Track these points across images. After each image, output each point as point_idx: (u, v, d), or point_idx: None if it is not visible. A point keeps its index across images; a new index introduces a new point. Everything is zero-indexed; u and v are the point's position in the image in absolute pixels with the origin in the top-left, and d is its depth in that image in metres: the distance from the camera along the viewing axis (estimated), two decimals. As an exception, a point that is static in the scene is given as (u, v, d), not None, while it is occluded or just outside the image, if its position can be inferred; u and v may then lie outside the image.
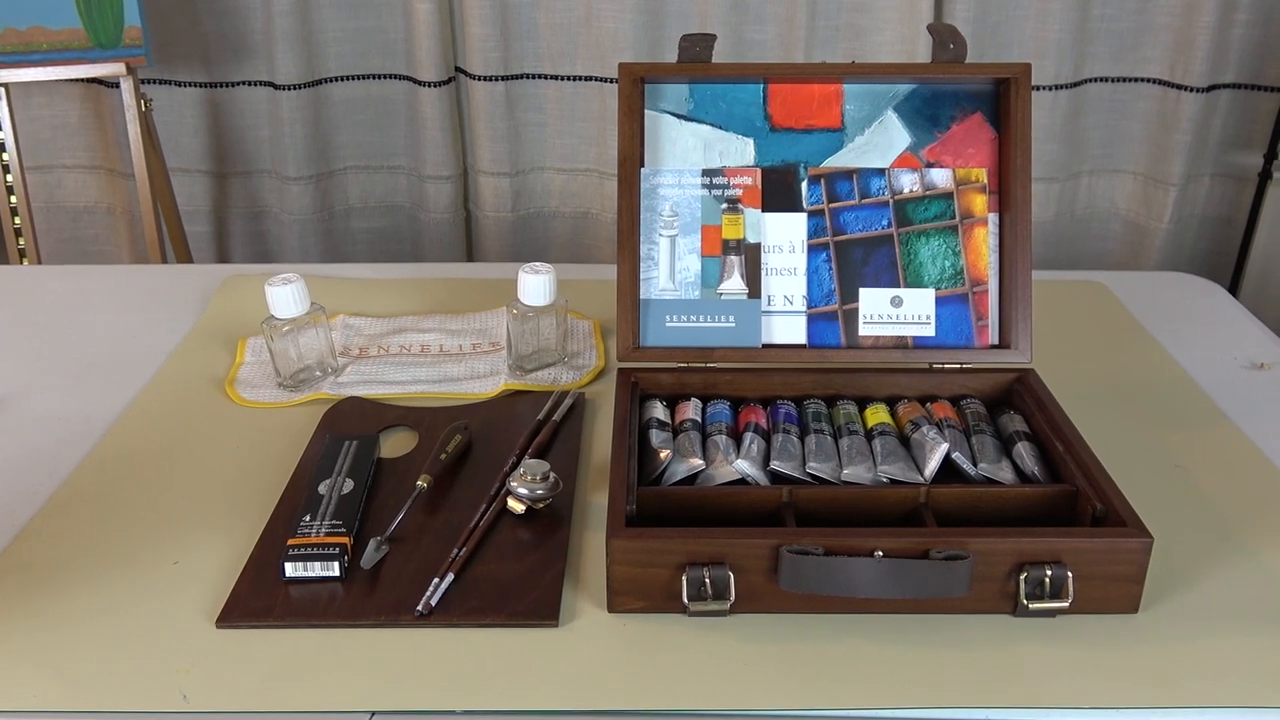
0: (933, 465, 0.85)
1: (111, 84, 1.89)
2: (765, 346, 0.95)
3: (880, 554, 0.72)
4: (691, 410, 0.91)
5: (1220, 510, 0.86)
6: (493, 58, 1.84)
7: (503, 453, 0.91)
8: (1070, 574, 0.73)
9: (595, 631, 0.74)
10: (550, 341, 1.03)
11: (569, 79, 1.88)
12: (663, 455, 0.85)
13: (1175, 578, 0.78)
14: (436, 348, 1.07)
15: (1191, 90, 1.77)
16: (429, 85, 1.86)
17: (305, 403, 0.99)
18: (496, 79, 1.86)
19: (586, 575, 0.79)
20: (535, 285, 1.00)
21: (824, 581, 0.73)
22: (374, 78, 1.92)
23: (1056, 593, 0.74)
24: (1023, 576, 0.73)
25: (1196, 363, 1.07)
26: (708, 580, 0.73)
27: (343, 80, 1.91)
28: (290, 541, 0.78)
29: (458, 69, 1.90)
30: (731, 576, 0.73)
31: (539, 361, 1.03)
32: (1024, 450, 0.86)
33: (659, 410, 0.91)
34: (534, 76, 1.89)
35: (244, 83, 1.91)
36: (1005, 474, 0.85)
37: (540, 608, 0.75)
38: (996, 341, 0.95)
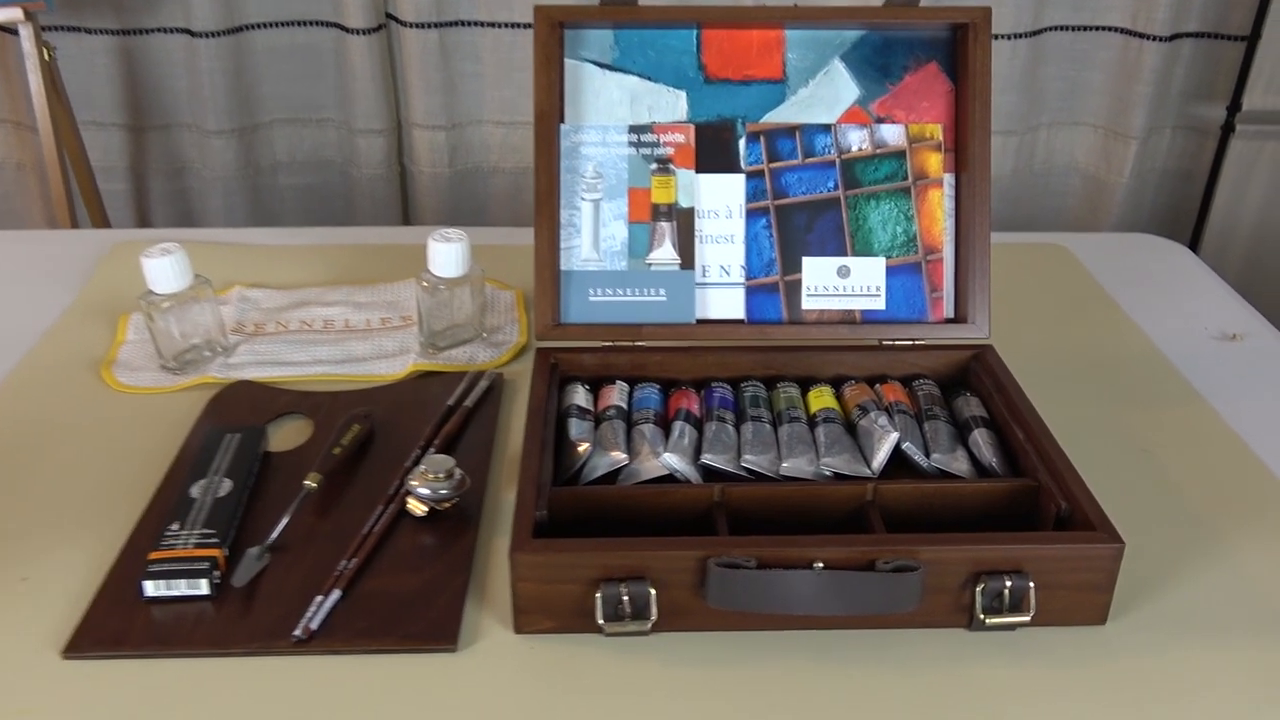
0: (881, 457, 0.75)
1: (11, 31, 1.73)
2: (699, 322, 0.84)
3: (820, 566, 0.63)
4: (616, 395, 0.81)
5: (1193, 502, 0.77)
6: (425, 3, 1.71)
7: (408, 444, 0.80)
8: (1032, 584, 0.64)
9: (499, 655, 0.64)
10: (466, 316, 0.92)
11: (507, 26, 1.75)
12: (581, 449, 0.75)
13: (1145, 582, 0.69)
14: (341, 323, 0.96)
15: (1154, 39, 1.68)
16: (358, 33, 1.72)
17: (190, 387, 0.87)
18: (430, 26, 1.73)
19: (494, 588, 0.68)
20: (446, 255, 0.89)
21: (757, 598, 0.63)
22: (299, 24, 1.78)
23: (1016, 605, 0.64)
24: (979, 588, 0.64)
25: (1165, 333, 0.98)
26: (625, 598, 0.63)
27: (265, 27, 1.77)
28: (152, 555, 0.67)
29: (388, 15, 1.76)
30: (653, 593, 0.63)
31: (454, 338, 0.92)
32: (980, 439, 0.77)
33: (580, 396, 0.80)
34: (470, 24, 1.76)
35: (158, 30, 1.76)
36: (960, 465, 0.76)
37: (437, 629, 0.65)
38: (952, 315, 0.85)
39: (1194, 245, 1.83)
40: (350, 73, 1.77)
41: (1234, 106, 1.73)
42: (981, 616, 0.64)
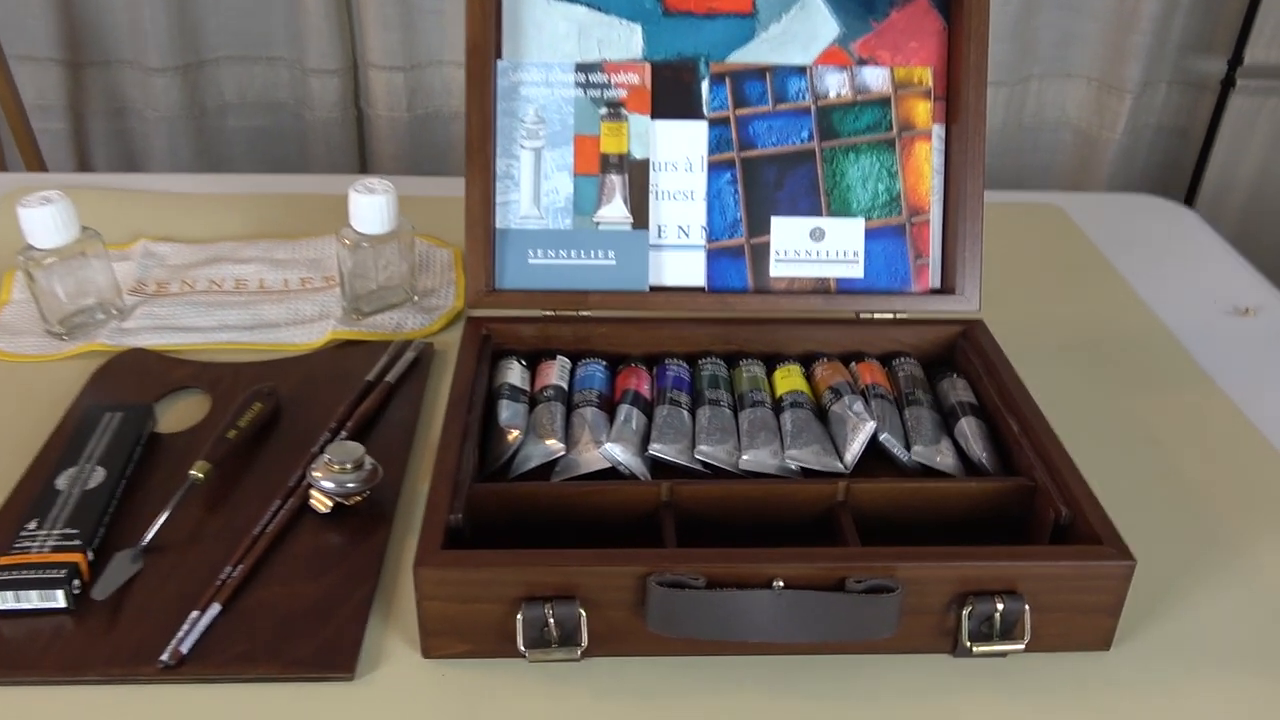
0: (855, 449, 0.65)
1: (-68, -44, 1.59)
2: (653, 290, 0.73)
3: (780, 585, 0.53)
4: (556, 373, 0.70)
5: (1206, 503, 0.67)
6: (380, -66, 1.57)
7: (317, 427, 0.69)
8: (1027, 607, 0.54)
9: (403, 685, 0.54)
10: (395, 277, 0.81)
11: (469, -40, 1.62)
12: (512, 437, 0.64)
13: (1155, 599, 0.59)
14: (255, 283, 0.84)
15: (1153, -15, 1.56)
16: (308, -36, 1.59)
17: (75, 356, 0.76)
18: (386, -42, 1.59)
19: (405, 601, 0.58)
20: (369, 208, 0.77)
21: (706, 622, 0.53)
22: (246, -46, 1.64)
23: (1009, 631, 0.55)
24: (966, 611, 0.54)
25: (1170, 307, 0.88)
26: (551, 621, 0.53)
27: (209, -44, 1.63)
28: (1, 560, 0.57)
29: (342, -54, 1.62)
30: (583, 615, 0.53)
31: (380, 302, 0.81)
32: (968, 429, 0.66)
33: (514, 373, 0.69)
34: (429, -44, 1.63)
35: (95, -43, 1.62)
36: (945, 459, 0.65)
37: (332, 652, 0.54)
38: (938, 285, 0.74)
39: (1186, 207, 1.72)
40: (301, 7, 1.63)
41: (1235, 60, 1.61)
42: (968, 643, 0.54)
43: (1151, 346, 0.82)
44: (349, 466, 0.62)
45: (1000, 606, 0.54)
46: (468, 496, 0.58)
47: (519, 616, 0.53)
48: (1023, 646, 0.54)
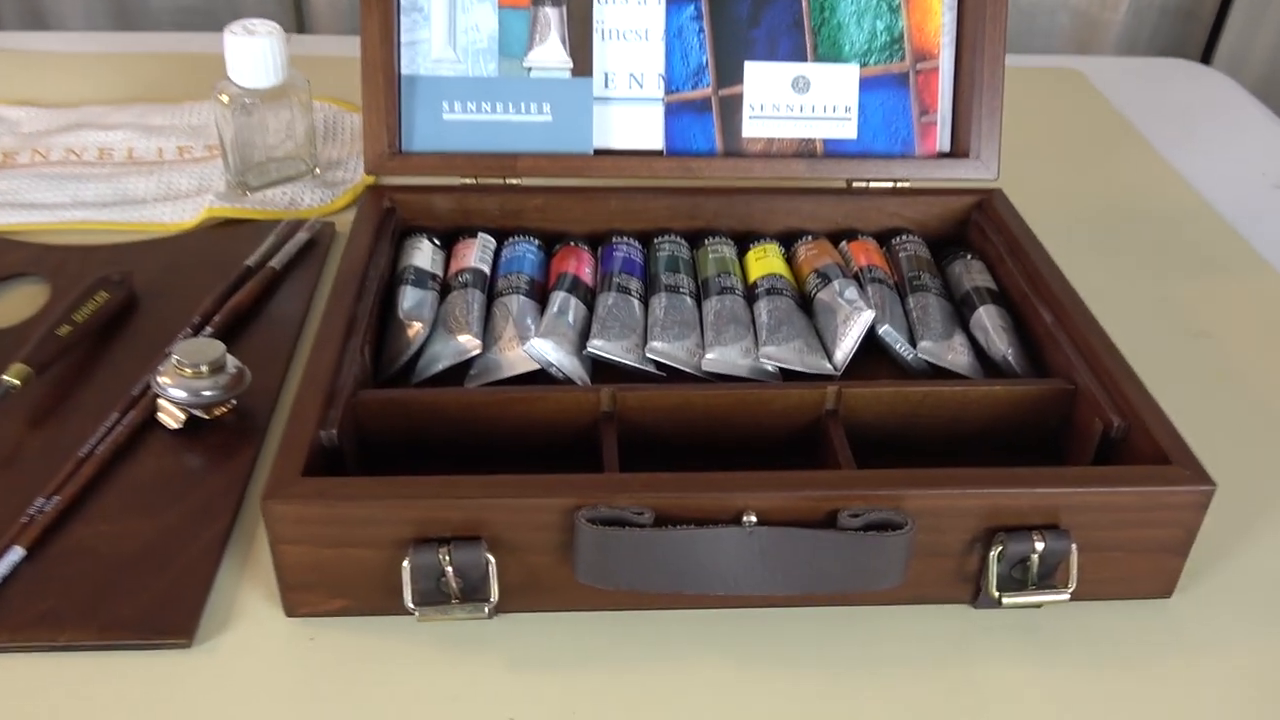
0: (848, 346, 0.51)
1: None
2: (598, 153, 0.58)
3: (753, 520, 0.39)
4: (476, 254, 0.55)
5: (1274, 409, 0.54)
6: None
7: (179, 323, 0.54)
8: (1074, 545, 0.41)
9: (258, 653, 0.40)
10: (289, 144, 0.65)
11: None
12: (413, 330, 0.50)
13: (1222, 533, 0.46)
14: (122, 152, 0.68)
15: None
16: None
17: (-110, 238, 0.61)
18: None
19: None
20: (249, 55, 0.61)
21: (654, 570, 0.39)
22: None
23: (1048, 576, 0.41)
24: (995, 553, 0.41)
25: (1213, 182, 0.73)
26: (450, 569, 0.39)
27: None
28: None
29: None
30: (492, 561, 0.39)
31: (274, 175, 0.66)
32: (988, 319, 0.52)
33: (424, 254, 0.55)
34: None
35: None
36: (959, 357, 0.52)
37: (165, 611, 0.40)
38: (948, 148, 0.60)
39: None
40: None
41: (1253, -70, 1.45)
42: (995, 593, 0.41)
43: (1193, 225, 0.68)
44: (204, 370, 0.48)
45: (1040, 545, 0.40)
46: (350, 407, 0.44)
47: (405, 564, 0.39)
48: (1068, 596, 0.41)
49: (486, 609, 0.40)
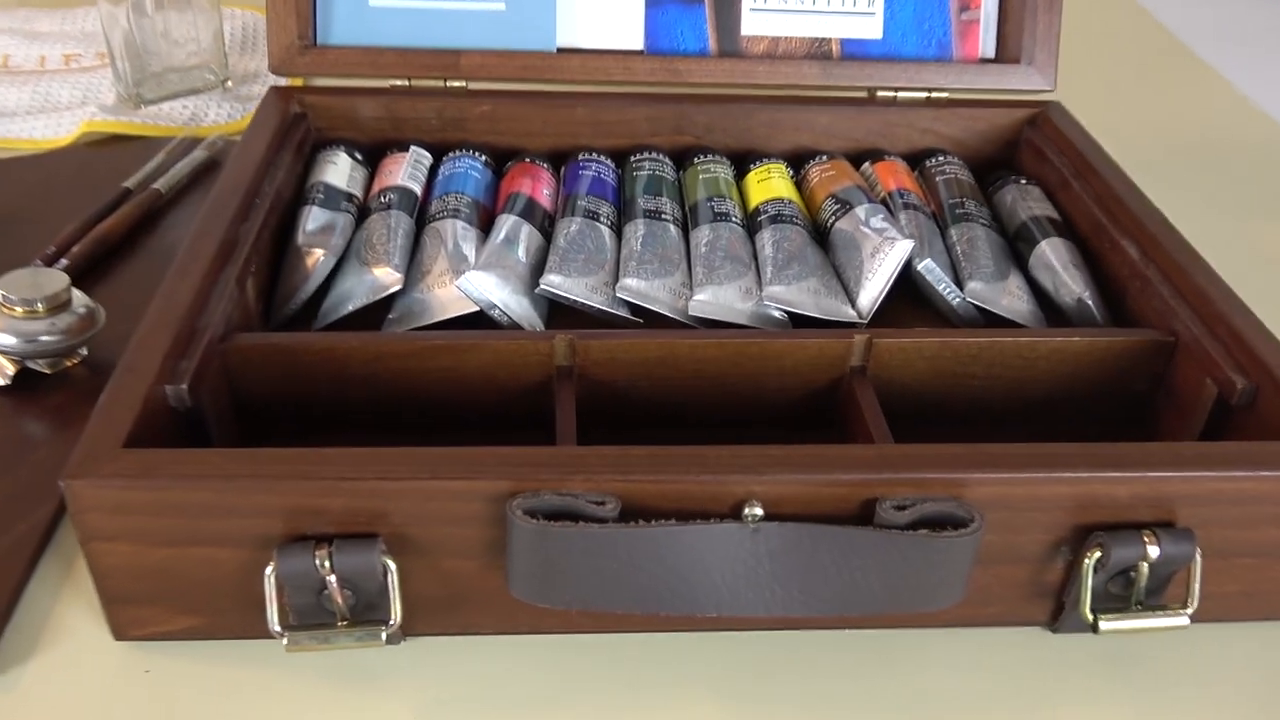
0: (877, 286, 0.39)
1: None
2: (562, 51, 0.46)
3: (759, 514, 0.27)
4: (405, 170, 0.43)
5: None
6: None
7: (30, 255, 0.43)
8: (1199, 551, 0.30)
9: (78, 686, 0.28)
10: (194, 52, 0.53)
11: None
12: (312, 260, 0.38)
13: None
14: (-3, 60, 0.56)
15: None
16: None
17: None
18: None
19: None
20: (135, -69, 0.49)
21: (617, 584, 0.27)
22: None
23: (1158, 590, 0.30)
24: (1091, 559, 0.29)
25: (1287, 110, 0.62)
26: (332, 580, 0.28)
27: None
28: None
29: None
30: (392, 569, 0.28)
31: (175, 87, 0.54)
32: (1054, 255, 0.41)
33: (339, 169, 0.43)
34: None
35: None
36: (1017, 302, 0.40)
37: (-57, 632, 0.29)
38: (992, 53, 0.48)
39: None
40: None
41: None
42: (1089, 614, 0.30)
43: (1266, 154, 0.57)
44: (39, 308, 0.36)
45: (1154, 551, 0.29)
46: (216, 356, 0.32)
47: (269, 571, 0.27)
48: (1186, 620, 0.30)
49: (385, 633, 0.28)
